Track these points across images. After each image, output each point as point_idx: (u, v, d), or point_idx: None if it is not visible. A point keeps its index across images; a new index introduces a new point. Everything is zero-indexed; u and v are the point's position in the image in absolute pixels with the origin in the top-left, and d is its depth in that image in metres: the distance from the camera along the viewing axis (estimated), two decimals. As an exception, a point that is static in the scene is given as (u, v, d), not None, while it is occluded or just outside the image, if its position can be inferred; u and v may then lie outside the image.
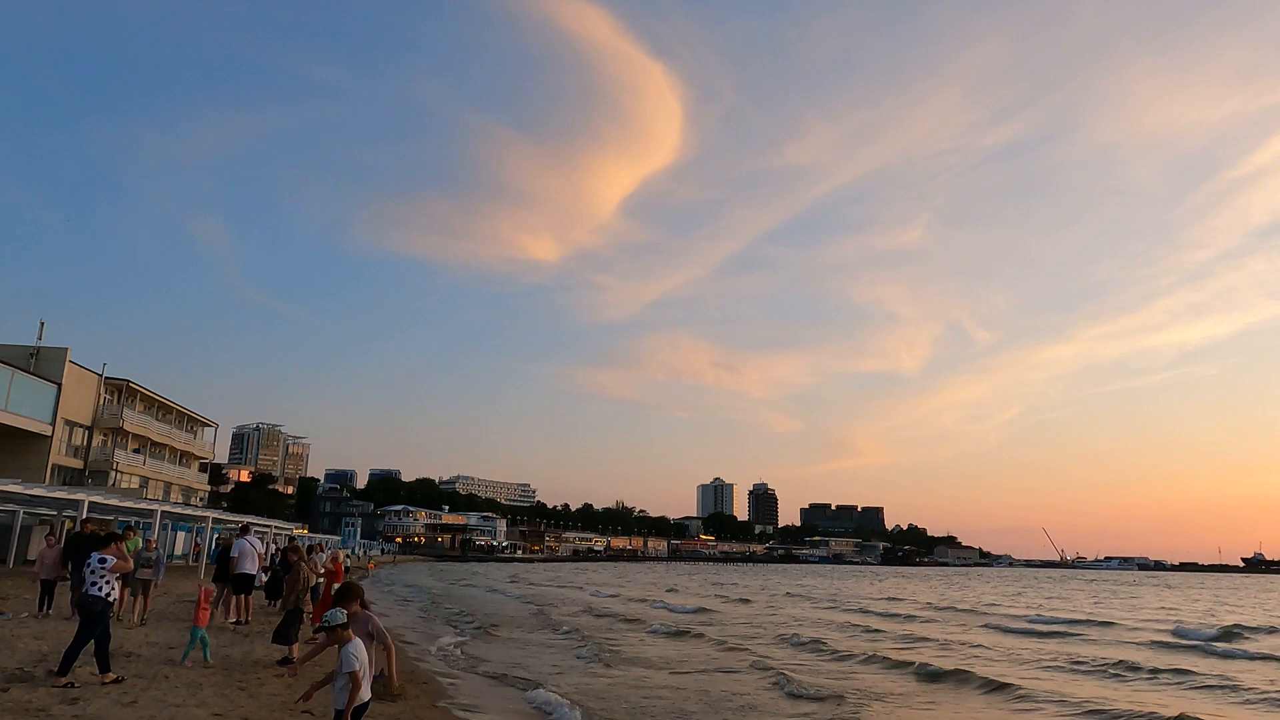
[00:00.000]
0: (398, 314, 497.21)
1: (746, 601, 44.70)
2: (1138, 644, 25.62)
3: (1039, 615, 37.79)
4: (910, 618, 34.50)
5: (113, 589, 9.84)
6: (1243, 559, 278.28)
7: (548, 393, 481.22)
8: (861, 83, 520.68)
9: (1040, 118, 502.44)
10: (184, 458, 70.30)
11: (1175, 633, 29.88)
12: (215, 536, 36.71)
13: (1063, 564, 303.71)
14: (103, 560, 9.70)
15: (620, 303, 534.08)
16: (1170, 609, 48.36)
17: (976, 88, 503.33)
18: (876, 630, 27.72)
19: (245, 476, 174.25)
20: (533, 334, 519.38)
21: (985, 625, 31.82)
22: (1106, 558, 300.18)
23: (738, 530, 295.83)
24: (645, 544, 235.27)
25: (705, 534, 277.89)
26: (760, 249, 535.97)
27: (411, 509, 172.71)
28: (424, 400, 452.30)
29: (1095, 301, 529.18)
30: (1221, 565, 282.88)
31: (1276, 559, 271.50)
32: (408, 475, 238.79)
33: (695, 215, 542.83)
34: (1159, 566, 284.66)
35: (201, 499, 74.68)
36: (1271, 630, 31.91)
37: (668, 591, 53.73)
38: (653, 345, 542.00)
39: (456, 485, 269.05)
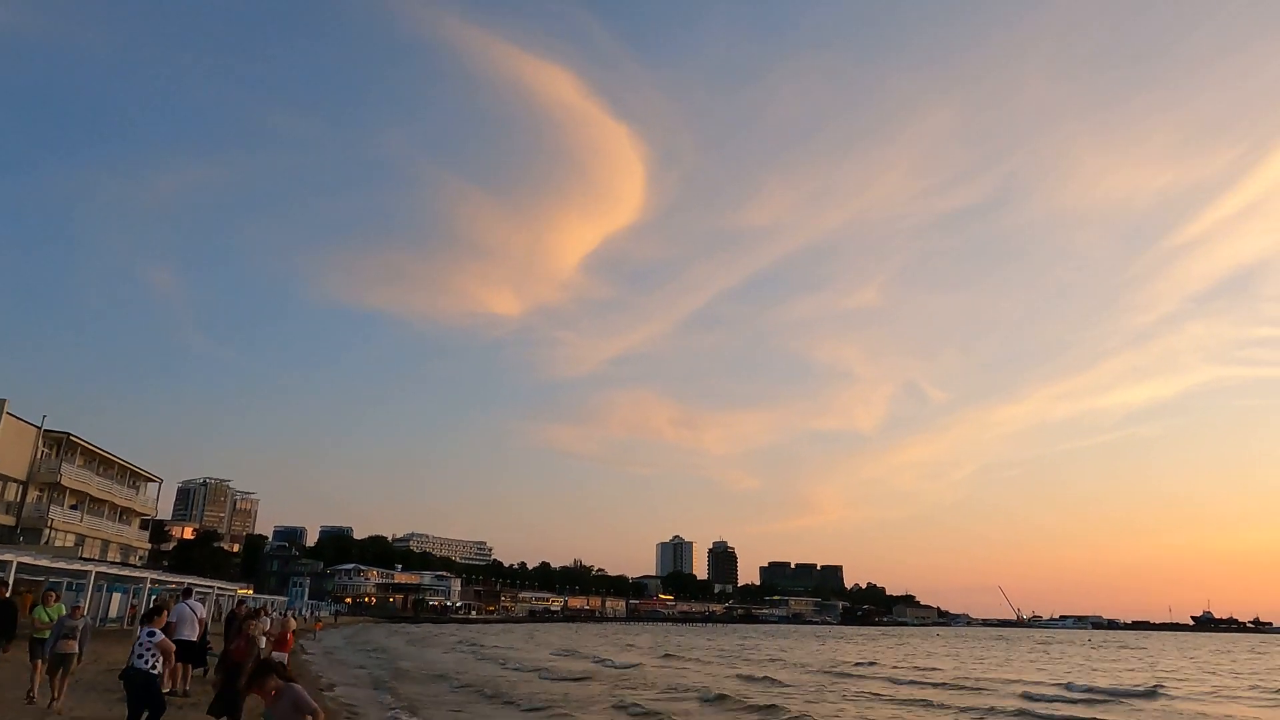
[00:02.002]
0: (354, 367, 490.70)
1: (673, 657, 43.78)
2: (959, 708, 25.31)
3: (898, 676, 37.78)
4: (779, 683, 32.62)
5: (159, 660, 10.14)
6: (1192, 617, 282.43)
7: (506, 448, 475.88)
8: (820, 147, 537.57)
9: (991, 185, 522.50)
10: (124, 514, 67.52)
11: (1023, 695, 29.55)
12: (152, 597, 35.04)
13: (1019, 623, 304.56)
14: (151, 634, 10.04)
15: (581, 358, 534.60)
16: (1063, 668, 49.30)
17: (931, 154, 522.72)
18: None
19: (189, 534, 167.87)
20: (492, 389, 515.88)
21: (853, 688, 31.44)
22: (1062, 616, 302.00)
23: (697, 589, 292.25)
24: (603, 604, 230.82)
25: (664, 593, 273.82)
26: (721, 307, 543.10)
27: (363, 568, 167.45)
28: (378, 456, 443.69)
29: (1046, 363, 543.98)
30: (1173, 623, 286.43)
31: (1224, 617, 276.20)
32: (360, 533, 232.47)
33: (657, 273, 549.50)
34: (1112, 625, 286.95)
35: (141, 558, 71.55)
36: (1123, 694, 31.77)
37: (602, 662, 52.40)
38: (613, 401, 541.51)
39: (410, 543, 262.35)
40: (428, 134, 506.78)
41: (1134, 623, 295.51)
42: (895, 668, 44.66)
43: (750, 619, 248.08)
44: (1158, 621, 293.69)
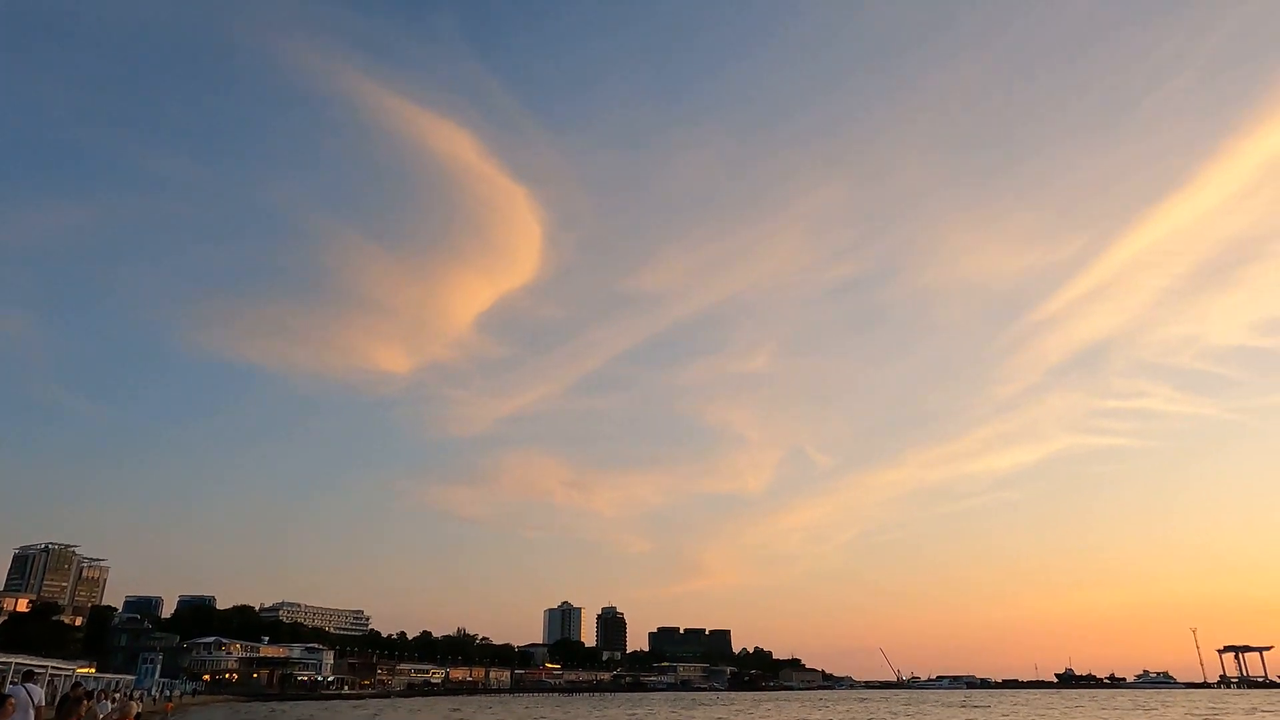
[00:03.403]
0: (227, 424, 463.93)
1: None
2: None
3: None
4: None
5: None
6: (1056, 675, 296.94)
7: (389, 511, 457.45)
8: (715, 216, 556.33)
9: (874, 259, 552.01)
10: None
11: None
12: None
13: (899, 684, 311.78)
14: None
15: (473, 418, 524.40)
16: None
17: (819, 227, 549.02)
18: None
19: (24, 606, 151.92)
20: (376, 448, 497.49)
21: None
22: (939, 677, 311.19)
23: (585, 657, 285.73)
24: (487, 675, 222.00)
25: (551, 662, 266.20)
26: (616, 368, 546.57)
27: (225, 641, 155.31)
28: (247, 519, 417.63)
29: (922, 429, 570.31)
30: (1039, 681, 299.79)
31: (1084, 674, 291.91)
32: (224, 602, 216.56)
33: (553, 333, 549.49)
34: (985, 684, 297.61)
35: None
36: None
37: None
38: (505, 462, 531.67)
39: (280, 613, 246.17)
40: (320, 185, 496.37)
41: (1004, 681, 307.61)
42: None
43: (638, 687, 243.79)
44: (1026, 679, 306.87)
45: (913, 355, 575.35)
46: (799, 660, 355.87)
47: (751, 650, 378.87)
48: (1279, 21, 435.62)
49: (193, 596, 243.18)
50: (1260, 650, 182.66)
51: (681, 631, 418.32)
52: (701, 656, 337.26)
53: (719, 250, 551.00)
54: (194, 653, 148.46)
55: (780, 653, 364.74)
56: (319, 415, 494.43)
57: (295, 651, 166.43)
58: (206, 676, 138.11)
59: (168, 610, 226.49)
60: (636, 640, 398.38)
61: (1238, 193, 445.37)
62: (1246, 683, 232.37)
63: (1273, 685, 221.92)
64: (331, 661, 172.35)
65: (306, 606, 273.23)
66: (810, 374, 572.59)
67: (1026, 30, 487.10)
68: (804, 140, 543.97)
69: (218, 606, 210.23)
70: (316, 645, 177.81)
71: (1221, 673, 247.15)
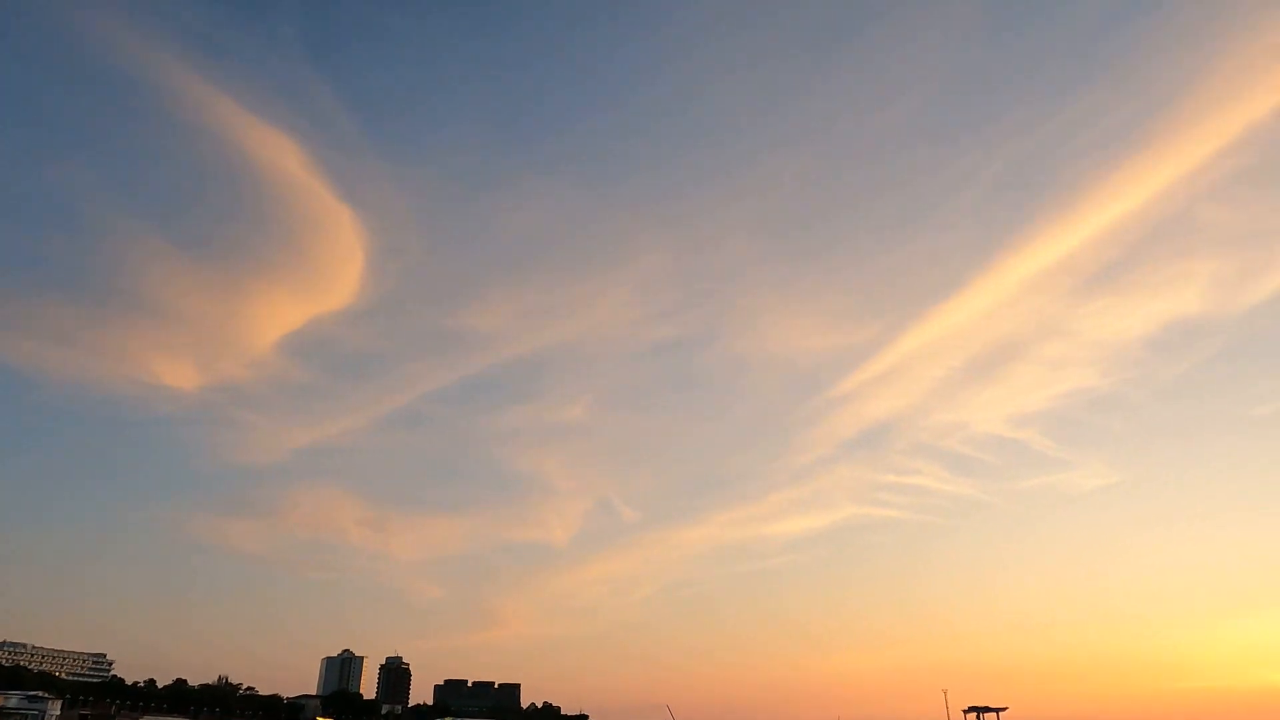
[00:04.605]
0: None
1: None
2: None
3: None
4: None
5: None
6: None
7: (153, 541, 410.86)
8: (548, 264, 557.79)
9: (695, 323, 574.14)
10: None
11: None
12: None
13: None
14: None
15: (265, 445, 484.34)
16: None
17: (646, 286, 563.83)
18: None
19: None
20: (143, 471, 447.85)
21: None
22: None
23: (362, 710, 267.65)
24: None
25: (324, 715, 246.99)
26: (429, 406, 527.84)
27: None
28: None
29: (725, 490, 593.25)
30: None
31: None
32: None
33: (365, 363, 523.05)
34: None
35: None
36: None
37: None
38: (296, 496, 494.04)
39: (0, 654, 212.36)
40: (113, 173, 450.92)
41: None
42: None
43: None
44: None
45: (722, 419, 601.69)
46: (587, 716, 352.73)
47: (540, 705, 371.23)
48: (1046, 160, 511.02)
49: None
50: (997, 710, 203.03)
51: (470, 684, 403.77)
52: (488, 711, 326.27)
53: (548, 298, 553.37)
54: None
55: (570, 708, 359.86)
56: (75, 428, 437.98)
57: (12, 700, 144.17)
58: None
59: None
60: (421, 693, 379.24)
61: (1004, 300, 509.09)
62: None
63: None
64: (59, 712, 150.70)
65: (34, 647, 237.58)
66: (624, 428, 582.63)
67: (846, 132, 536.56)
68: (642, 203, 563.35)
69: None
70: (41, 693, 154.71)
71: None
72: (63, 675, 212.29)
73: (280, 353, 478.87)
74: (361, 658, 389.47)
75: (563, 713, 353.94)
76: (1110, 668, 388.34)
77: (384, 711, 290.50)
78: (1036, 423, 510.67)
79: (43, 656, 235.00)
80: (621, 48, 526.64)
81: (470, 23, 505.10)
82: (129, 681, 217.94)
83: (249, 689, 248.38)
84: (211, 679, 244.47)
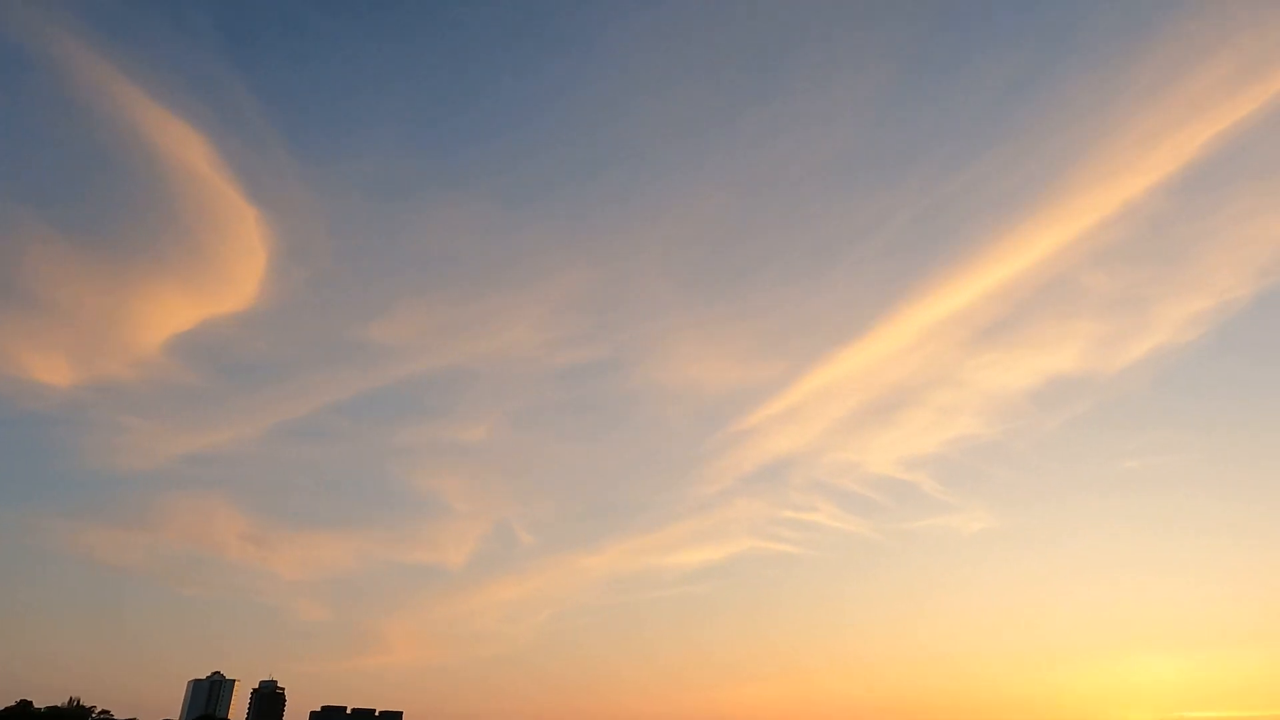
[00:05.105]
0: None
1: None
2: None
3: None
4: None
5: None
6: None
7: (4, 549, 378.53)
8: (460, 280, 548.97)
9: (606, 351, 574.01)
10: None
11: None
12: None
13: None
14: None
15: (142, 451, 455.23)
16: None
17: (559, 311, 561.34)
18: None
19: None
20: (7, 471, 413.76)
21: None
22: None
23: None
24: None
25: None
26: (325, 419, 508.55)
27: None
28: None
29: (628, 519, 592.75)
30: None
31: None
32: None
33: (260, 370, 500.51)
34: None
35: None
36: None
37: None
38: (171, 506, 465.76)
39: None
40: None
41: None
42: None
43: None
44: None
45: (627, 448, 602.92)
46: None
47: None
48: (947, 217, 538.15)
49: None
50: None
51: (349, 711, 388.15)
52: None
53: (459, 315, 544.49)
54: None
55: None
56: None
57: None
58: None
59: None
60: (296, 719, 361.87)
61: (902, 347, 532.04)
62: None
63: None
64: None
65: None
66: (528, 452, 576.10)
67: (764, 176, 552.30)
68: (559, 226, 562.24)
69: None
70: None
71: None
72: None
73: (168, 353, 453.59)
74: (233, 681, 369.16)
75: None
76: (991, 704, 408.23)
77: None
78: (927, 466, 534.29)
79: None
80: (548, 66, 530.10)
81: (395, 27, 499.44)
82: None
83: (103, 712, 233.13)
84: (61, 700, 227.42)
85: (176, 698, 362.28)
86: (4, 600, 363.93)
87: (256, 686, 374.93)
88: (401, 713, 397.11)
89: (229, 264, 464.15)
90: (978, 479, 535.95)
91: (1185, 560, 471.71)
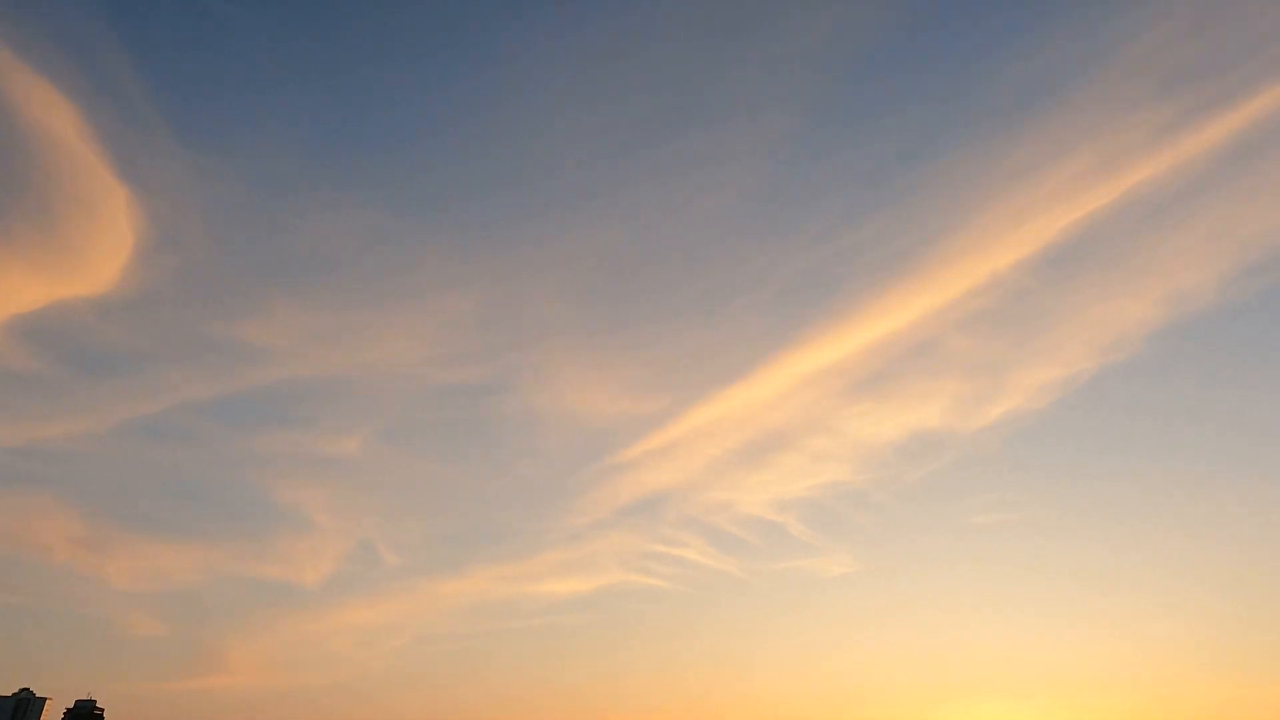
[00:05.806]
0: None
1: None
2: None
3: None
4: None
5: None
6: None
7: None
8: (342, 286, 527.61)
9: (492, 373, 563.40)
10: None
11: None
12: None
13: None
14: None
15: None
16: None
17: (445, 327, 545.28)
18: None
19: None
20: None
21: None
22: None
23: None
24: None
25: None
26: (181, 418, 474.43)
27: None
28: None
29: (498, 544, 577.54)
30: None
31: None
32: None
33: (112, 361, 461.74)
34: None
35: None
36: None
37: None
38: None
39: None
40: None
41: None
42: None
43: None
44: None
45: (504, 473, 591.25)
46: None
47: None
48: (831, 273, 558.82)
49: None
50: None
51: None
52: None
53: (337, 322, 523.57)
54: None
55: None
56: None
57: None
58: None
59: None
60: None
61: (781, 392, 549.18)
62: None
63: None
64: None
65: None
66: (399, 469, 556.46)
67: (661, 218, 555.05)
68: (453, 241, 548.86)
69: None
70: None
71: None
72: None
73: (7, 335, 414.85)
74: (43, 699, 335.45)
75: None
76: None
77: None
78: (796, 509, 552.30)
79: None
80: (462, 80, 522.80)
81: (306, 24, 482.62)
82: None
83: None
84: None
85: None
86: None
87: (71, 706, 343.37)
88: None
89: (89, 243, 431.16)
90: (842, 524, 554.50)
91: (1031, 608, 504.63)
